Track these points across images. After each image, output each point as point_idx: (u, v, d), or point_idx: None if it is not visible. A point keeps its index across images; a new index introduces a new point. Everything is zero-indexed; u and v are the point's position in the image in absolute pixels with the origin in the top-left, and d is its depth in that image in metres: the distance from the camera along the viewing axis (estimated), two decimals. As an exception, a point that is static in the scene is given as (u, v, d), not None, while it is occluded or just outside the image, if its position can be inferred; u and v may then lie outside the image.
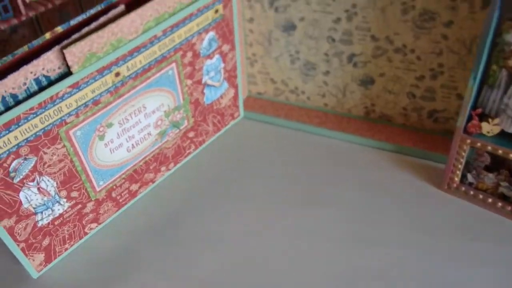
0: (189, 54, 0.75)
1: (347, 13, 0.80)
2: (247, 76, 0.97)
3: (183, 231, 0.77)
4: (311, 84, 0.93)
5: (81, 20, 0.63)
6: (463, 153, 0.74)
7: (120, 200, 0.79)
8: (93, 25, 0.62)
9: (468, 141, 0.72)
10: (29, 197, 0.64)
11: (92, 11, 0.64)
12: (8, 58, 0.58)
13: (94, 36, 0.61)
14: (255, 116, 0.97)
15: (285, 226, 0.77)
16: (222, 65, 0.84)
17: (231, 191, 0.83)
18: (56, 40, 0.61)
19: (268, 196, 0.82)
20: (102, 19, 0.63)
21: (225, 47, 0.82)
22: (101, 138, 0.69)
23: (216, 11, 0.76)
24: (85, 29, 0.61)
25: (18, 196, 0.62)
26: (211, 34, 0.77)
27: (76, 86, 0.62)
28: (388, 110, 0.90)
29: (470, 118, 0.71)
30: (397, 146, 0.87)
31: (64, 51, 0.58)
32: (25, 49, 0.59)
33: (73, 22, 0.63)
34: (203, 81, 0.81)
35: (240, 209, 0.80)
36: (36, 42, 0.60)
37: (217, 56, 0.81)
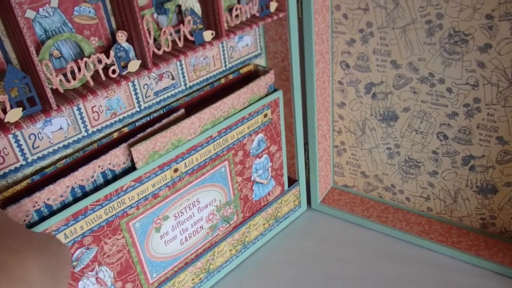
0: (240, 153, 0.75)
1: (466, 108, 0.67)
2: (332, 166, 0.85)
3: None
4: (412, 184, 0.78)
5: (145, 122, 0.65)
6: None
7: (170, 293, 0.74)
8: (157, 126, 0.63)
9: None
10: (87, 287, 0.60)
11: (155, 115, 0.66)
12: (79, 154, 0.58)
13: (158, 136, 0.61)
14: (338, 214, 0.82)
15: None
16: (270, 164, 0.83)
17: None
18: (121, 138, 0.62)
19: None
20: (165, 121, 0.64)
21: (273, 148, 0.81)
22: (158, 230, 0.67)
23: (265, 115, 0.76)
24: (149, 129, 0.63)
25: (77, 285, 0.59)
26: (260, 135, 0.77)
27: (139, 181, 0.61)
28: None
29: None
30: None
31: (131, 149, 0.59)
32: (94, 146, 0.60)
33: (138, 123, 0.64)
34: (252, 178, 0.80)
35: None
36: (104, 140, 0.61)
37: (265, 155, 0.81)
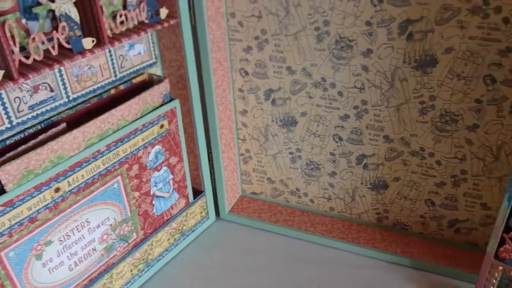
0: (135, 167, 0.70)
1: (356, 110, 0.69)
2: (239, 174, 0.85)
3: None
4: (314, 186, 0.80)
5: (18, 140, 0.57)
6: (494, 281, 0.59)
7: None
8: (31, 143, 0.56)
9: (500, 268, 0.58)
10: None
11: (31, 131, 0.59)
12: None
13: (32, 154, 0.54)
14: (247, 222, 0.82)
15: None
16: (171, 176, 0.78)
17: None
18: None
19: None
20: (41, 137, 0.57)
21: (173, 159, 0.77)
22: (39, 257, 0.59)
23: (162, 126, 0.72)
24: (22, 147, 0.55)
25: None
26: (157, 147, 0.73)
27: (10, 205, 0.53)
28: (404, 217, 0.76)
29: (502, 242, 0.57)
30: (415, 261, 0.71)
31: (-3, 169, 0.52)
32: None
33: (10, 141, 0.57)
34: (151, 192, 0.75)
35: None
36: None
37: (164, 168, 0.76)
